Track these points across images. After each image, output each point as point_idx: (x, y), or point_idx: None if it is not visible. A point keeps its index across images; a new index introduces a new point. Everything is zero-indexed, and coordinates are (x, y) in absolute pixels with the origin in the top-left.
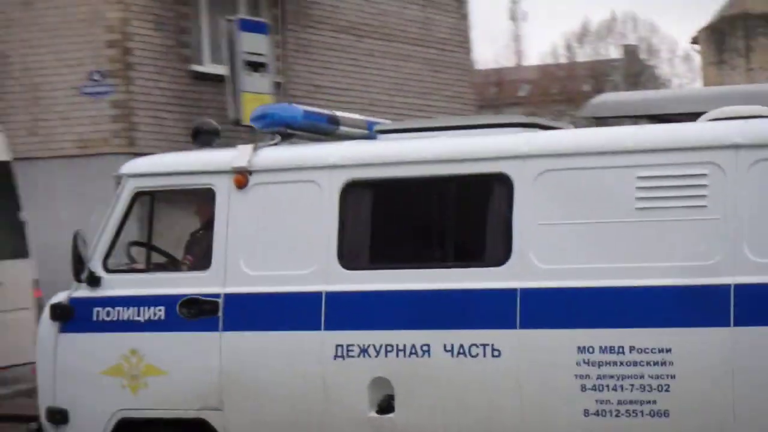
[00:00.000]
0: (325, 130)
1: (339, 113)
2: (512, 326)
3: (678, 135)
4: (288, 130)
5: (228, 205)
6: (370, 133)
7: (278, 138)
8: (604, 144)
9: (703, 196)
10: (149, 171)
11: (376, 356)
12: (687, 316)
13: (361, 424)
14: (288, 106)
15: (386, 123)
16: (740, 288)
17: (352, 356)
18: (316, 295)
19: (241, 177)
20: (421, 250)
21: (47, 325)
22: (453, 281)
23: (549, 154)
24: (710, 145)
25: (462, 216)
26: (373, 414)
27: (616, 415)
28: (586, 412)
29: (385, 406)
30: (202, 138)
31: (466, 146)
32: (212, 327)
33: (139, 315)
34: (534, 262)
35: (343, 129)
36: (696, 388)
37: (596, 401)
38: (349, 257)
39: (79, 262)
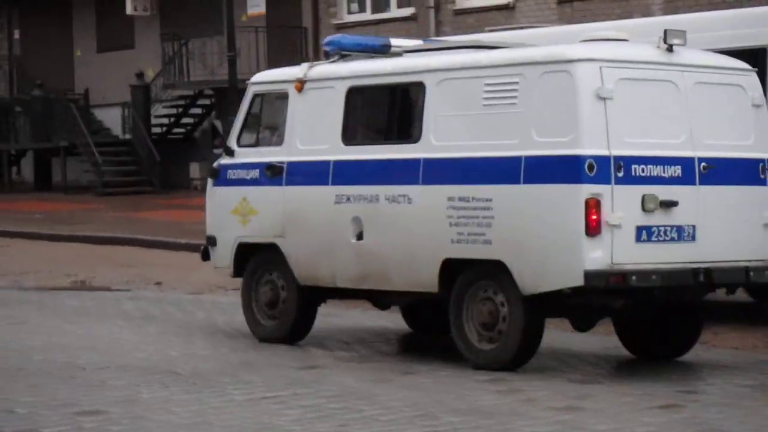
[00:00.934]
0: (378, 51)
1: (395, 40)
2: (417, 182)
3: (505, 56)
4: (342, 52)
5: (293, 103)
6: (400, 51)
7: (336, 57)
8: (471, 62)
9: (515, 96)
10: (260, 81)
11: (354, 202)
12: (502, 177)
13: (349, 247)
14: (343, 36)
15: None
16: (528, 159)
17: (342, 202)
18: (327, 163)
19: (299, 84)
20: (379, 133)
21: (209, 182)
22: (392, 153)
23: (444, 68)
24: (521, 62)
25: (401, 111)
26: (354, 240)
27: (467, 243)
28: (452, 240)
29: (359, 234)
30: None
31: (403, 64)
32: (280, 183)
33: (247, 175)
34: (432, 141)
35: (394, 50)
36: (507, 224)
37: (457, 233)
38: (346, 138)
39: (222, 141)
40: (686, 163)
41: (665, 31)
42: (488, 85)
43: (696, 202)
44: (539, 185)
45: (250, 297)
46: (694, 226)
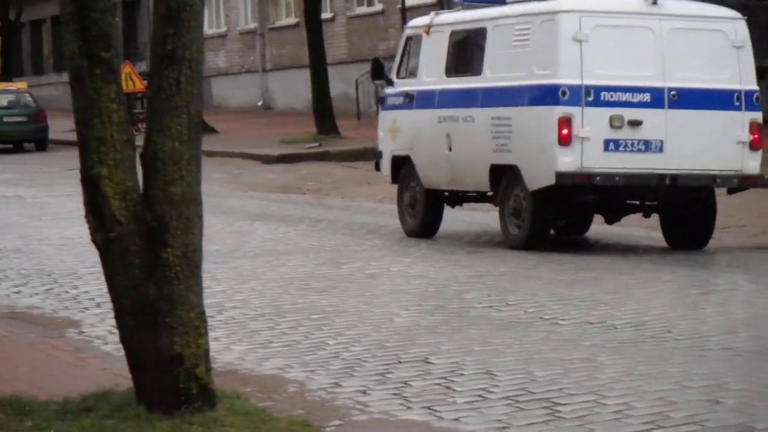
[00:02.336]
0: (496, 1)
1: None
2: (476, 106)
3: (525, 9)
4: (465, 3)
5: (423, 44)
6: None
7: (460, 7)
8: (509, 12)
9: (528, 39)
10: (410, 25)
11: (447, 122)
12: (515, 101)
13: (444, 157)
14: None
15: None
16: (528, 87)
17: (441, 122)
18: (434, 91)
19: (427, 29)
20: (464, 67)
21: (380, 107)
22: (467, 83)
23: (496, 17)
24: (532, 13)
25: (474, 50)
26: (447, 152)
27: (500, 152)
28: (493, 150)
29: (450, 147)
30: (377, 68)
31: (478, 14)
32: (411, 107)
33: (397, 101)
34: (486, 74)
35: (510, 0)
36: (518, 137)
37: (495, 145)
38: (447, 71)
39: (384, 75)
40: (656, 91)
41: None
42: (516, 30)
43: (665, 122)
44: (533, 107)
45: (402, 199)
46: (662, 141)
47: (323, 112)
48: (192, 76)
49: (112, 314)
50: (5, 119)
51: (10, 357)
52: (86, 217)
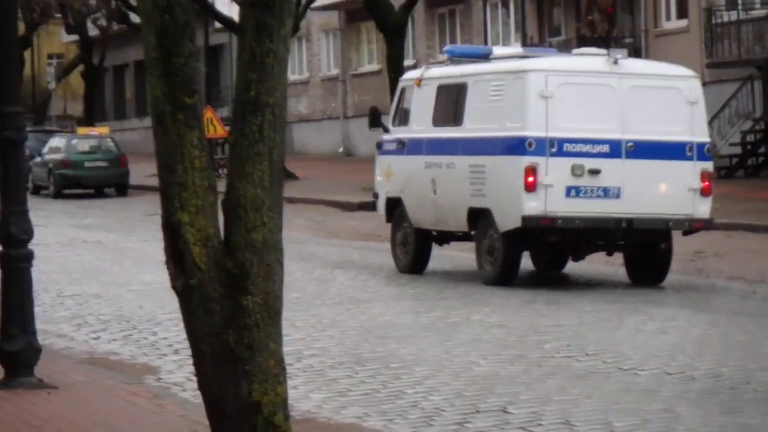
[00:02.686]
0: (479, 57)
1: (497, 48)
2: (457, 154)
3: (499, 67)
4: (452, 58)
5: (414, 95)
6: (492, 56)
7: (448, 62)
8: (486, 70)
9: (501, 94)
10: (405, 78)
11: (433, 168)
12: (489, 151)
13: (430, 200)
14: (457, 46)
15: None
16: (500, 139)
17: (428, 168)
18: (422, 139)
19: (418, 81)
20: (448, 118)
21: (377, 152)
22: (449, 133)
23: (475, 74)
24: (505, 71)
25: (457, 102)
26: (432, 195)
27: (476, 196)
28: (471, 195)
29: (435, 191)
30: (374, 118)
31: (460, 70)
32: (403, 153)
33: (391, 147)
34: (467, 125)
35: (493, 56)
36: (491, 183)
37: (472, 190)
38: (434, 121)
39: (380, 123)
40: (614, 142)
41: (608, 50)
42: (492, 86)
43: (622, 171)
44: (504, 156)
45: (395, 238)
46: (619, 188)
47: None
48: (275, 122)
49: (190, 361)
50: (87, 164)
51: (89, 403)
52: (167, 263)
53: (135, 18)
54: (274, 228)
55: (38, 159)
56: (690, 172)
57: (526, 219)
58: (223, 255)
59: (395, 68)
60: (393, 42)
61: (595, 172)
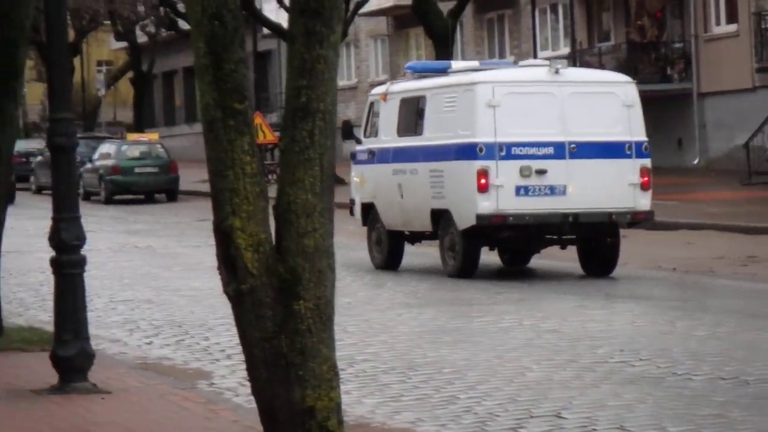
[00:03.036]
0: (438, 71)
1: (455, 62)
2: (419, 161)
3: (452, 80)
4: (414, 73)
5: (381, 108)
6: (449, 71)
7: (410, 76)
8: (441, 83)
9: (454, 105)
10: (373, 93)
11: (399, 174)
12: (446, 157)
13: (398, 203)
14: (419, 62)
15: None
16: (454, 145)
17: (395, 174)
18: (389, 149)
19: (384, 96)
20: (410, 128)
21: (352, 161)
22: (411, 142)
23: (432, 87)
24: (457, 84)
25: (417, 113)
26: (400, 199)
27: (437, 198)
28: (432, 197)
29: (402, 195)
30: (347, 130)
31: (418, 84)
32: (373, 162)
33: (364, 157)
34: (426, 134)
35: (451, 71)
36: (449, 186)
37: (433, 192)
38: (398, 132)
39: (353, 135)
40: (558, 145)
41: (550, 61)
42: (446, 98)
43: (566, 170)
44: (459, 161)
45: (370, 238)
46: (564, 186)
47: None
48: (325, 128)
49: (242, 366)
50: (137, 170)
51: (142, 408)
52: (219, 268)
53: (183, 25)
54: (325, 233)
55: (89, 165)
56: (630, 169)
57: (480, 217)
58: (274, 260)
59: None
60: (441, 48)
61: (541, 172)
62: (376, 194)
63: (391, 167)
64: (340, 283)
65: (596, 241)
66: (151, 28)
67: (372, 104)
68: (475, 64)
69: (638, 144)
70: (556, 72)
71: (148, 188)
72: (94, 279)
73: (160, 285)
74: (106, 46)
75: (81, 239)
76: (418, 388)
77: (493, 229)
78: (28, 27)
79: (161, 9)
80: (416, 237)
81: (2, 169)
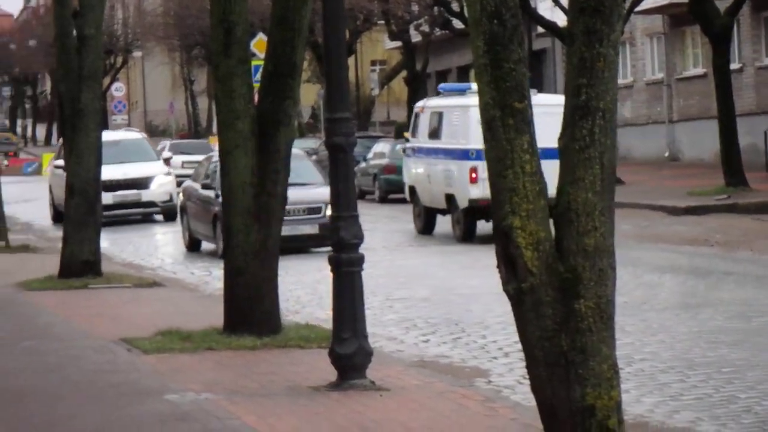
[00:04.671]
0: (461, 91)
1: (474, 84)
2: (440, 158)
3: (457, 102)
4: (442, 92)
5: (420, 117)
6: (468, 91)
7: (440, 94)
8: (451, 103)
9: (458, 120)
10: (417, 106)
11: (427, 167)
12: (453, 158)
13: (428, 188)
14: (447, 84)
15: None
16: (457, 150)
17: (426, 166)
18: (422, 147)
19: (421, 109)
20: (437, 133)
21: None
22: (436, 144)
23: (447, 106)
24: (460, 105)
25: (439, 123)
26: (428, 184)
27: (448, 186)
28: (446, 185)
29: (429, 180)
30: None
31: (440, 101)
32: (414, 156)
33: (409, 152)
34: (443, 139)
35: (469, 92)
36: (455, 179)
37: (446, 181)
38: (429, 136)
39: (403, 135)
40: None
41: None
42: (455, 114)
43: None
44: (459, 161)
45: (414, 211)
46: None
47: (732, 164)
48: (605, 126)
49: (520, 364)
50: None
51: (420, 406)
52: (498, 267)
53: (458, 24)
54: (606, 232)
55: (363, 164)
56: None
57: (471, 201)
58: (554, 259)
59: (721, 73)
60: (718, 46)
61: None
62: (415, 180)
63: (424, 161)
64: (617, 283)
65: None
66: (426, 28)
67: (416, 114)
68: None
69: None
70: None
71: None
72: (369, 277)
73: (436, 283)
74: (379, 46)
75: (359, 238)
76: (697, 388)
77: (481, 209)
78: (305, 28)
79: (435, 8)
80: (441, 212)
81: (280, 167)
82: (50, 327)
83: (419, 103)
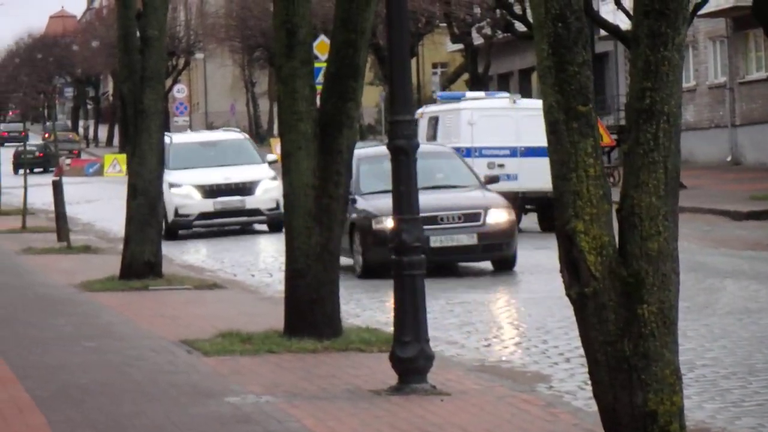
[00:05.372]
0: (457, 99)
1: (470, 93)
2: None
3: (451, 106)
4: (439, 99)
5: (419, 122)
6: (462, 99)
7: (438, 101)
8: (445, 108)
9: (454, 122)
10: (417, 112)
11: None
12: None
13: None
14: (442, 92)
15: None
16: (453, 147)
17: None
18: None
19: (421, 114)
20: (434, 136)
21: None
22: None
23: (443, 110)
24: (455, 109)
25: (435, 127)
26: None
27: None
28: None
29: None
30: None
31: (436, 108)
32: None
33: None
34: (439, 140)
35: (465, 98)
36: None
37: None
38: (427, 138)
39: None
40: (513, 148)
41: (510, 94)
42: (447, 117)
43: (519, 164)
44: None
45: None
46: (516, 174)
47: None
48: (670, 130)
49: (581, 369)
50: None
51: (481, 410)
52: (561, 271)
53: (520, 27)
54: (669, 237)
55: None
56: None
57: None
58: (618, 264)
59: None
60: None
61: (501, 166)
62: None
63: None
64: (680, 287)
65: (547, 209)
66: (487, 30)
67: (417, 120)
68: (481, 94)
69: None
70: (514, 102)
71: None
72: (430, 281)
73: (496, 287)
74: (441, 49)
75: (421, 241)
76: (759, 394)
77: None
78: (368, 30)
79: (497, 11)
80: None
81: (342, 169)
82: (111, 327)
83: (419, 110)
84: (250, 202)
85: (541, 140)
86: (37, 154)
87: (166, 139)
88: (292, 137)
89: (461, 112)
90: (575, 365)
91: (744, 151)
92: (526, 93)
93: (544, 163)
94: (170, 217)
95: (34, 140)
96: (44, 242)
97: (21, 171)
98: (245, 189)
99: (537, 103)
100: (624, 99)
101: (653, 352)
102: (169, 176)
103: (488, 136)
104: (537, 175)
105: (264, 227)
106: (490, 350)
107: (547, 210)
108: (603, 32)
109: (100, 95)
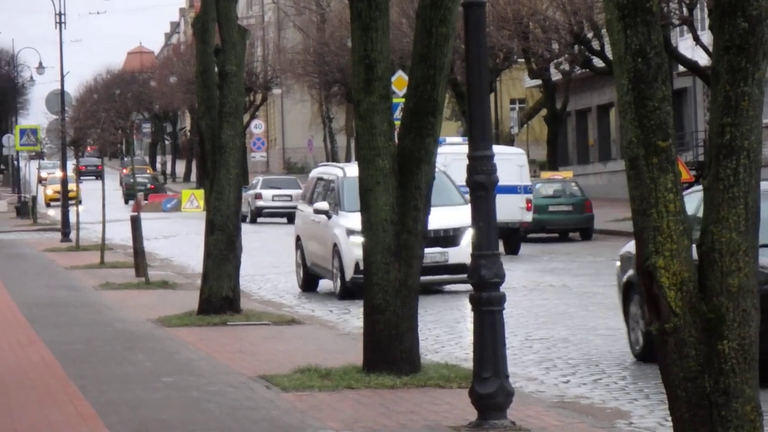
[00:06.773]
0: (440, 143)
1: (450, 138)
2: None
3: (446, 150)
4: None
5: None
6: (443, 143)
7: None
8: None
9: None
10: None
11: None
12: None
13: None
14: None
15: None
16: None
17: None
18: None
19: None
20: None
21: None
22: None
23: (443, 152)
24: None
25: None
26: None
27: None
28: None
29: None
30: None
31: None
32: None
33: None
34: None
35: (444, 143)
36: None
37: None
38: None
39: None
40: None
41: None
42: (445, 158)
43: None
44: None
45: None
46: None
47: None
48: (750, 166)
49: (661, 405)
50: (551, 208)
51: None
52: (642, 307)
53: (598, 62)
54: (750, 273)
55: None
56: (519, 199)
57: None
58: (698, 300)
59: None
60: None
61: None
62: None
63: None
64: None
65: (511, 236)
66: (566, 66)
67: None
68: (459, 139)
69: (524, 187)
70: None
71: (562, 226)
72: (509, 317)
73: (576, 323)
74: (519, 84)
75: (501, 277)
76: None
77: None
78: (446, 66)
79: (576, 46)
80: None
81: (420, 205)
82: (190, 362)
83: None
84: (453, 255)
85: (504, 179)
86: (149, 186)
87: (338, 172)
88: (370, 172)
89: (438, 157)
90: (655, 402)
91: None
92: (604, 129)
93: (508, 198)
94: (348, 273)
95: (112, 176)
96: (122, 277)
97: (131, 201)
98: (448, 239)
99: (501, 149)
100: (702, 135)
101: (734, 389)
102: (345, 220)
103: (460, 177)
104: (501, 209)
105: (462, 287)
106: (569, 386)
107: (510, 236)
108: (681, 68)
109: (177, 131)
